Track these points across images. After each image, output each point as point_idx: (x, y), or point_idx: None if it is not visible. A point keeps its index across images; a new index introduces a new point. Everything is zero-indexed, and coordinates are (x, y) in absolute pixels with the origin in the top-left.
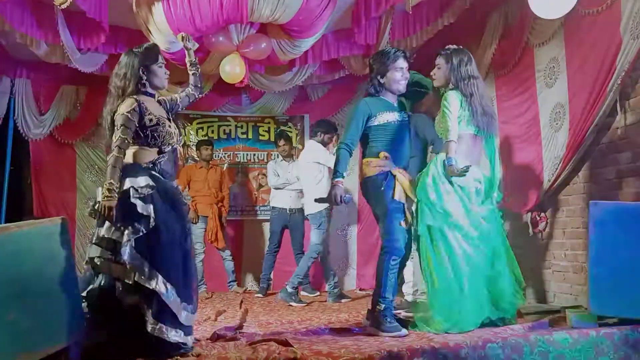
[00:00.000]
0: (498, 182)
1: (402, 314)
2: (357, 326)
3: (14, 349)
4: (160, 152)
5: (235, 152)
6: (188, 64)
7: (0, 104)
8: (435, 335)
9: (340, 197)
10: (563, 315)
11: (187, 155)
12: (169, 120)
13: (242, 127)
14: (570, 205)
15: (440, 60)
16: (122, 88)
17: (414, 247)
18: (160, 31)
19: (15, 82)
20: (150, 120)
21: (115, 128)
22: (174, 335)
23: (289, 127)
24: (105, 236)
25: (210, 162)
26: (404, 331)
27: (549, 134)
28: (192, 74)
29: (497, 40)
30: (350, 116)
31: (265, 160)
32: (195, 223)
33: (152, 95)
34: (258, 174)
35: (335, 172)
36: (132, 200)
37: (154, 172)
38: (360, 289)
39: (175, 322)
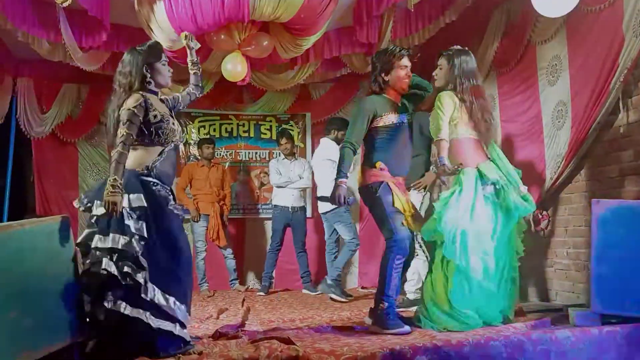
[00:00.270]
0: (518, 181)
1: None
2: (360, 324)
3: (15, 347)
4: (161, 153)
5: (237, 151)
6: (190, 64)
7: (3, 103)
8: (438, 333)
9: (344, 197)
10: (565, 313)
11: (188, 154)
12: (172, 117)
13: (244, 125)
14: (572, 203)
15: (442, 61)
16: (128, 85)
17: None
18: (162, 29)
19: (17, 80)
20: (155, 116)
21: (121, 123)
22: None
23: (291, 125)
24: (115, 247)
25: (212, 160)
26: (407, 328)
27: (551, 132)
28: (194, 73)
29: (499, 38)
30: (355, 114)
31: (267, 158)
32: (197, 221)
33: (156, 93)
34: (260, 172)
35: (339, 172)
36: (127, 221)
37: (149, 179)
38: (363, 287)
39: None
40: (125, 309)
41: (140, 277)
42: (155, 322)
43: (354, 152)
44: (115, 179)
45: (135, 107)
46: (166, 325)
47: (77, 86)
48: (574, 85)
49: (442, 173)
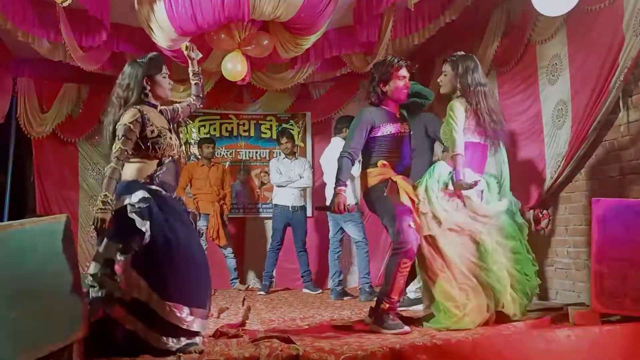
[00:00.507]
0: (508, 190)
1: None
2: (360, 323)
3: (16, 346)
4: (159, 164)
5: (237, 150)
6: (190, 74)
7: (3, 103)
8: (438, 332)
9: (343, 205)
10: (565, 312)
11: (189, 153)
12: (170, 131)
13: (244, 124)
14: (572, 202)
15: (446, 67)
16: (125, 98)
17: None
18: (162, 29)
19: (18, 80)
20: (152, 131)
21: (116, 138)
22: (175, 345)
23: (291, 124)
24: (102, 254)
25: (212, 159)
26: (407, 328)
27: (552, 131)
28: (195, 83)
29: (499, 38)
30: (353, 125)
31: (267, 158)
32: (197, 220)
33: (155, 106)
34: (260, 172)
35: (338, 180)
36: (130, 215)
37: (151, 187)
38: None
39: (181, 333)
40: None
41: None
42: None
43: (353, 162)
44: (105, 194)
45: (131, 122)
46: (177, 342)
47: (77, 86)
48: (574, 84)
49: (460, 188)
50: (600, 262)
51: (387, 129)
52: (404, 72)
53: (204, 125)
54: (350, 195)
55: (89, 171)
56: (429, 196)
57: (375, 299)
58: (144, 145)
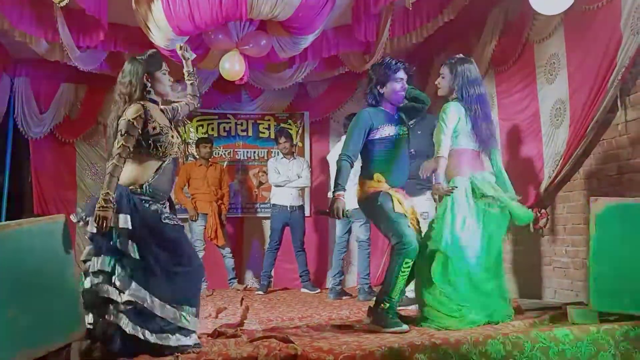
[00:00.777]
0: (513, 194)
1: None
2: (358, 323)
3: (14, 346)
4: (157, 169)
5: (235, 150)
6: (186, 74)
7: (0, 103)
8: (436, 331)
9: (342, 210)
10: (564, 311)
11: (187, 153)
12: (171, 129)
13: (242, 124)
14: (571, 201)
15: (445, 70)
16: (128, 94)
17: None
18: (160, 28)
19: (15, 80)
20: (154, 128)
21: (119, 134)
22: (176, 340)
23: (289, 124)
24: (99, 268)
25: (210, 159)
26: (405, 327)
27: (550, 131)
28: (190, 83)
29: (497, 37)
30: (352, 127)
31: (265, 157)
32: (195, 220)
33: (157, 103)
34: (258, 172)
35: (337, 185)
36: (113, 242)
37: (140, 197)
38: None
39: (179, 329)
40: (127, 325)
41: (135, 293)
42: (174, 342)
43: (351, 165)
44: (107, 192)
45: (134, 118)
46: (173, 341)
47: (74, 86)
48: (572, 83)
49: (436, 192)
50: (598, 261)
51: (387, 130)
52: (401, 74)
53: (202, 125)
54: (351, 199)
55: (87, 171)
56: (454, 219)
57: (374, 298)
58: (145, 142)
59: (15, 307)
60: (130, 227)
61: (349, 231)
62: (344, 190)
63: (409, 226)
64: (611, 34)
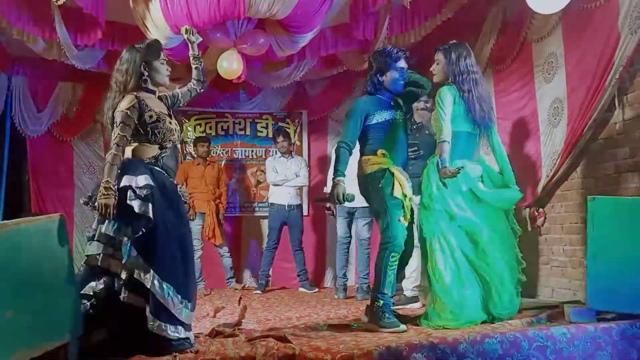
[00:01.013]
0: (512, 177)
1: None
2: (356, 322)
3: (11, 346)
4: (161, 148)
5: (233, 149)
6: (191, 57)
7: None
8: (434, 331)
9: (343, 195)
10: (561, 310)
11: (185, 152)
12: (170, 116)
13: (240, 123)
14: (568, 200)
15: (439, 56)
16: (123, 83)
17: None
18: (157, 27)
19: (13, 78)
20: (151, 116)
21: (115, 125)
22: (173, 332)
23: (287, 123)
24: (107, 234)
25: (208, 158)
26: (403, 327)
27: (548, 130)
28: (195, 67)
29: (495, 36)
30: (348, 115)
31: (263, 156)
32: (193, 220)
33: (153, 92)
34: (256, 171)
35: (336, 171)
36: (129, 202)
37: (156, 168)
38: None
39: (174, 319)
40: (168, 329)
41: (148, 282)
42: (173, 334)
43: (350, 152)
44: (108, 181)
45: (128, 109)
46: (182, 334)
47: (72, 84)
48: (570, 82)
49: (443, 175)
50: (595, 260)
51: (383, 115)
52: (402, 63)
53: (200, 124)
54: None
55: (84, 170)
56: (438, 192)
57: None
58: (143, 130)
59: (13, 306)
60: (152, 184)
61: (351, 231)
62: (344, 176)
63: (399, 219)
64: (609, 33)
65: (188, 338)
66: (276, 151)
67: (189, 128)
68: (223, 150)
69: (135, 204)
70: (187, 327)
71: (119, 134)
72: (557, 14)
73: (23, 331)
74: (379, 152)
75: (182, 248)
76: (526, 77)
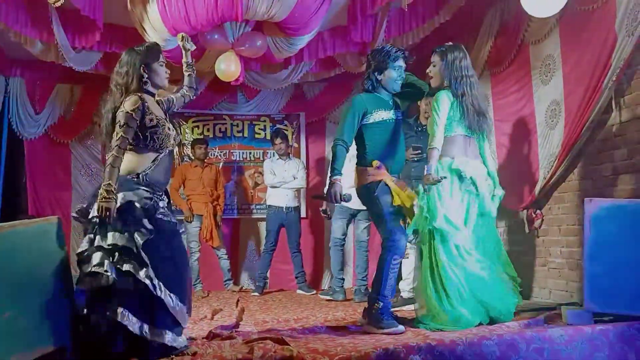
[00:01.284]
0: (496, 179)
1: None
2: (354, 324)
3: (8, 348)
4: (154, 160)
5: (231, 151)
6: (184, 65)
7: None
8: (432, 333)
9: (340, 194)
10: (558, 312)
11: (182, 154)
12: (167, 121)
13: (237, 125)
14: (565, 202)
15: (435, 58)
16: (125, 85)
17: (410, 246)
18: (155, 29)
19: (10, 81)
20: (151, 120)
21: (117, 125)
22: (169, 338)
23: (285, 125)
24: (115, 243)
25: (205, 160)
26: (401, 328)
27: (545, 132)
28: (188, 75)
29: (492, 38)
30: (345, 112)
31: (261, 158)
32: (190, 222)
33: (153, 95)
34: (254, 173)
35: (333, 170)
36: (137, 214)
37: (139, 186)
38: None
39: (171, 325)
40: (165, 336)
41: (143, 276)
42: (169, 340)
43: (347, 150)
44: (109, 184)
45: (133, 110)
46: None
47: (70, 86)
48: (567, 84)
49: (426, 182)
50: (593, 262)
51: (381, 115)
52: (400, 62)
53: (198, 126)
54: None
55: (82, 172)
56: (435, 199)
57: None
58: (142, 134)
59: (10, 309)
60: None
61: (348, 232)
62: (341, 174)
63: (400, 224)
64: (606, 35)
65: (186, 345)
66: (274, 153)
67: (187, 130)
68: (221, 152)
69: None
70: (179, 331)
71: (121, 135)
72: (554, 16)
73: (20, 334)
74: (374, 163)
75: (175, 254)
76: (523, 79)
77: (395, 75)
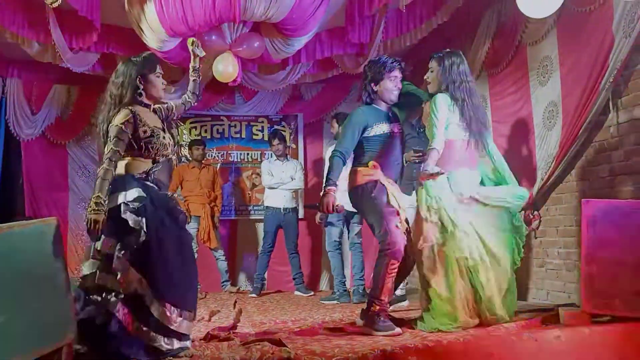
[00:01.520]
0: (512, 178)
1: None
2: (351, 326)
3: (4, 350)
4: (154, 162)
5: (229, 152)
6: (191, 69)
7: None
8: (429, 334)
9: (333, 205)
10: (556, 313)
11: (179, 155)
12: (164, 130)
13: (235, 126)
14: (563, 203)
15: (433, 64)
16: (119, 96)
17: None
18: (153, 30)
19: (7, 81)
20: (145, 132)
21: (109, 139)
22: (166, 344)
23: (283, 126)
24: (101, 250)
25: (203, 161)
26: (398, 330)
27: (542, 133)
28: (193, 80)
29: (490, 39)
30: (346, 125)
31: (259, 159)
32: (188, 223)
33: (148, 106)
34: (252, 174)
35: (328, 180)
36: (123, 215)
37: (147, 182)
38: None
39: (168, 332)
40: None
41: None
42: (166, 346)
43: (344, 162)
44: (98, 196)
45: (123, 123)
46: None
47: (67, 87)
48: (565, 85)
49: (422, 176)
50: (590, 263)
51: (381, 128)
52: (396, 73)
53: (195, 127)
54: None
55: (79, 173)
56: (436, 203)
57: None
58: (137, 145)
59: (6, 311)
60: (144, 195)
61: (342, 234)
62: (335, 185)
63: (397, 225)
64: (603, 37)
65: (182, 348)
66: (271, 154)
67: (185, 131)
68: (218, 153)
69: (130, 218)
70: (185, 337)
71: (112, 148)
72: (551, 17)
73: (17, 336)
74: (370, 163)
75: (182, 257)
76: (521, 81)
77: (391, 85)
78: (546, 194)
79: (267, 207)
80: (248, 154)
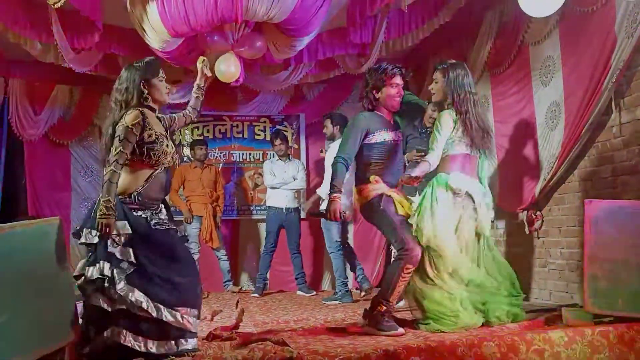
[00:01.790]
0: (491, 199)
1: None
2: (354, 325)
3: (7, 350)
4: (148, 178)
5: (231, 152)
6: (195, 87)
7: None
8: (432, 334)
9: (339, 212)
10: (559, 313)
11: (181, 155)
12: (166, 138)
13: (237, 126)
14: (566, 203)
15: (437, 75)
16: (125, 101)
17: None
18: (155, 30)
19: (10, 81)
20: (150, 135)
21: (116, 139)
22: (176, 345)
23: (285, 126)
24: (97, 275)
25: (205, 161)
26: (401, 330)
27: (545, 133)
28: (196, 97)
29: (492, 39)
30: (348, 130)
31: (261, 159)
32: (190, 223)
33: (154, 110)
34: (254, 174)
35: (332, 187)
36: (110, 249)
37: (130, 205)
38: (357, 289)
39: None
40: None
41: (136, 298)
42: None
43: (347, 168)
44: (108, 200)
45: (133, 125)
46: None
47: (69, 88)
48: (567, 86)
49: (403, 179)
50: (593, 263)
51: (383, 136)
52: (397, 79)
53: (197, 127)
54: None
55: (82, 173)
56: (439, 207)
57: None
58: (139, 150)
59: (8, 310)
60: (130, 232)
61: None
62: (340, 192)
63: (413, 233)
64: (606, 37)
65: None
66: (274, 154)
67: (187, 131)
68: (220, 153)
69: (117, 252)
70: (192, 335)
71: (120, 150)
72: (554, 17)
73: (19, 335)
74: (372, 179)
75: (175, 267)
76: (523, 81)
77: (393, 92)
78: (549, 194)
79: (269, 207)
80: (250, 154)
